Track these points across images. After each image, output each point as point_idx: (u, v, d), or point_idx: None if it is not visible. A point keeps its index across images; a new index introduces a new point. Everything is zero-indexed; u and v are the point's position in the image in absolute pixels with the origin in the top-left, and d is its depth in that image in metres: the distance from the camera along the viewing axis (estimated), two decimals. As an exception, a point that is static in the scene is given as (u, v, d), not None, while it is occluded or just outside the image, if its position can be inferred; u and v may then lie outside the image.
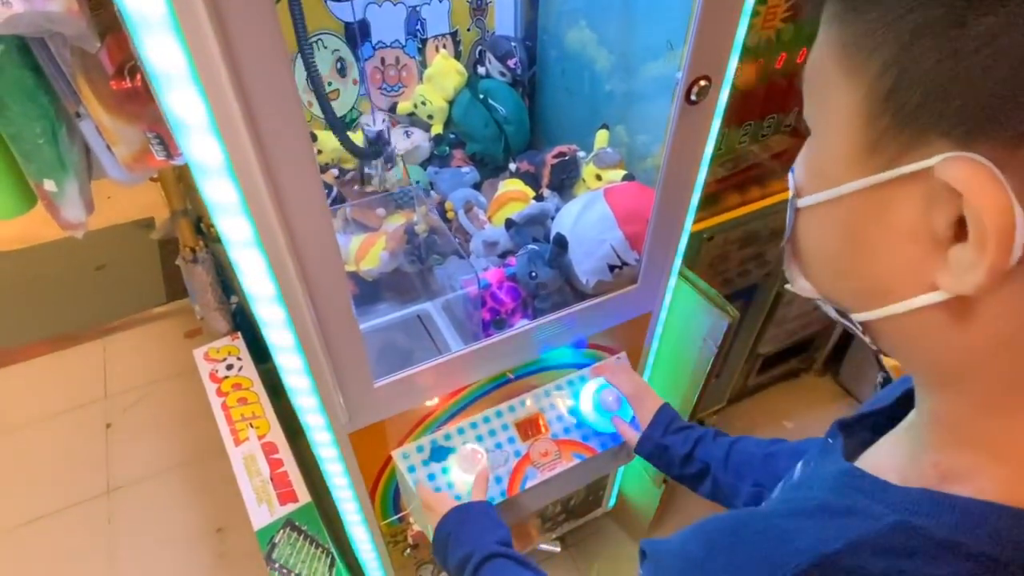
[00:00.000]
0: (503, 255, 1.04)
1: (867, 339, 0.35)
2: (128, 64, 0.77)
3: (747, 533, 0.37)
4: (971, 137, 0.25)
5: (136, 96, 0.79)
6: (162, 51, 0.47)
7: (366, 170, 1.09)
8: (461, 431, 0.99)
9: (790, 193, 0.36)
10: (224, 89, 0.49)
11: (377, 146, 1.07)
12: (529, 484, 0.97)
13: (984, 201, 0.25)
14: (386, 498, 1.04)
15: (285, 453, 1.28)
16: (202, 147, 0.52)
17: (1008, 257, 0.25)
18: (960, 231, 0.27)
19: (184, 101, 0.50)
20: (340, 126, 0.82)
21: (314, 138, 1.11)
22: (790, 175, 0.37)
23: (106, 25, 0.74)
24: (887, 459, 0.38)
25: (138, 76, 0.78)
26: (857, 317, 0.34)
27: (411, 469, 0.95)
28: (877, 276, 0.31)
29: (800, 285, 0.39)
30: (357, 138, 1.20)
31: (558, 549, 1.62)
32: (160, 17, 0.45)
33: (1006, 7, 0.23)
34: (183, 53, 0.47)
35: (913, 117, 0.27)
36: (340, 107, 1.20)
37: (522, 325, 0.94)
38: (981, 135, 0.25)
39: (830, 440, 0.44)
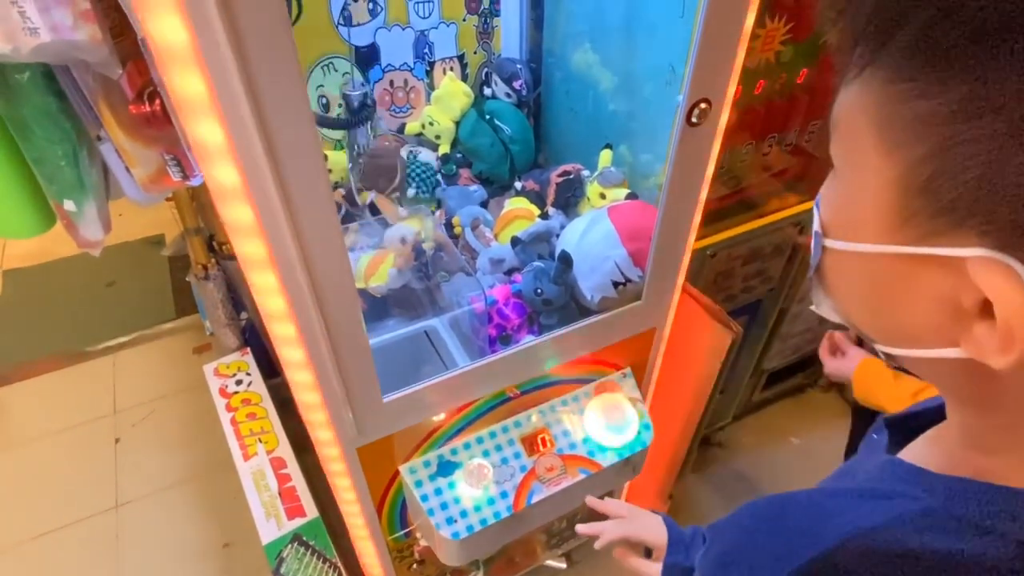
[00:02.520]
0: (509, 272, 1.05)
1: (883, 357, 0.36)
2: (147, 90, 0.80)
3: (793, 508, 0.40)
4: (1007, 242, 0.25)
5: (154, 120, 0.82)
6: (185, 79, 0.49)
7: (358, 142, 1.06)
8: (467, 446, 1.00)
9: (815, 225, 0.36)
10: (243, 114, 0.51)
11: (363, 112, 1.04)
12: (535, 499, 0.98)
13: (1014, 309, 0.25)
14: (393, 513, 1.05)
15: (293, 468, 1.30)
16: (221, 170, 0.55)
17: None
18: (986, 308, 0.27)
19: (204, 126, 0.52)
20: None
21: (324, 158, 1.14)
22: (815, 208, 0.37)
23: (127, 52, 0.77)
24: (927, 453, 0.39)
25: (157, 101, 0.80)
26: (881, 348, 0.35)
27: (418, 484, 0.96)
28: (902, 325, 0.32)
29: (825, 309, 0.39)
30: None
31: (564, 566, 1.62)
32: (183, 47, 0.48)
33: None
34: (204, 81, 0.49)
35: (950, 210, 0.26)
36: (350, 128, 1.23)
37: (528, 341, 0.95)
38: (1018, 244, 0.25)
39: (875, 436, 0.46)
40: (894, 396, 0.98)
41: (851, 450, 1.25)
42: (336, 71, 1.14)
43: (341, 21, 1.10)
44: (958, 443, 0.36)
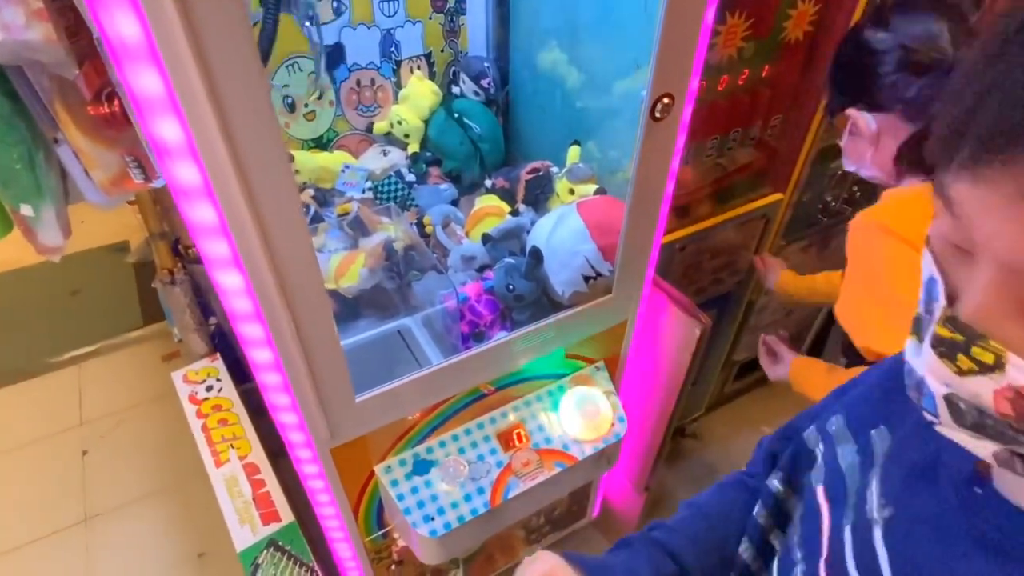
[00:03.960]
0: (480, 269, 1.06)
1: None
2: (105, 90, 0.78)
3: None
4: None
5: (114, 121, 0.80)
6: (141, 77, 0.49)
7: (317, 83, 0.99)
8: (443, 444, 1.00)
9: None
10: (203, 112, 0.51)
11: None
12: (512, 494, 0.98)
13: None
14: (369, 514, 1.04)
15: (267, 473, 1.28)
16: (182, 170, 0.54)
17: None
18: None
19: (163, 125, 0.52)
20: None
21: (291, 158, 1.13)
22: None
23: (83, 52, 0.75)
24: None
25: (115, 101, 0.79)
26: None
27: (394, 483, 0.96)
28: None
29: None
30: (336, 158, 1.22)
31: (544, 561, 1.63)
32: (138, 43, 0.47)
33: None
34: (161, 79, 0.49)
35: None
36: (317, 128, 1.22)
37: (501, 337, 0.96)
38: None
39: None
40: (820, 387, 1.02)
41: None
42: (302, 70, 1.13)
43: (305, 19, 1.09)
44: None
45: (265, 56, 0.78)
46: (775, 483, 0.60)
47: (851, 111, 0.95)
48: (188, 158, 0.54)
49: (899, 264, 0.87)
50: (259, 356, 0.71)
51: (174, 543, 1.75)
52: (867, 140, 0.95)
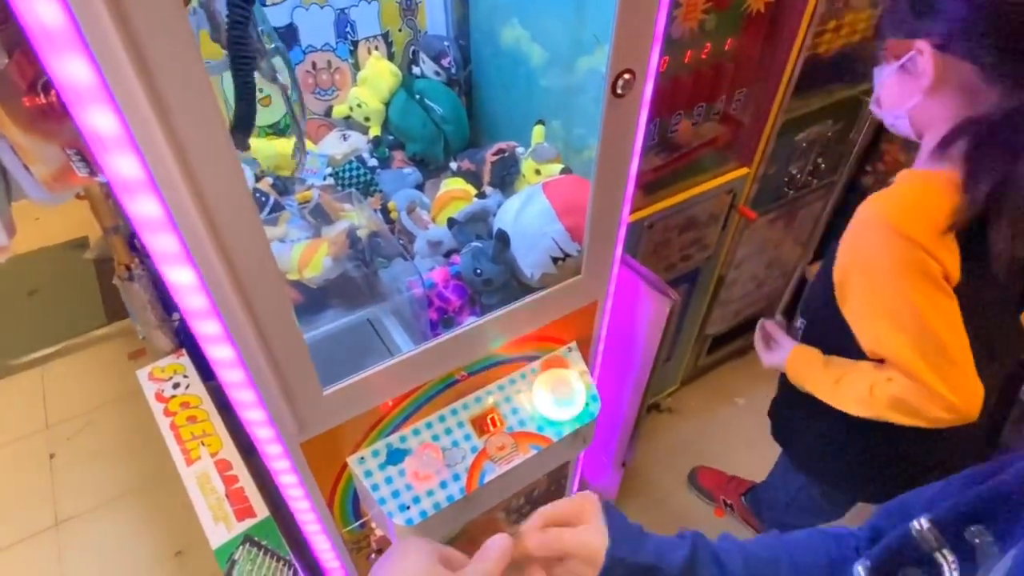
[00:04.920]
0: (448, 254, 1.04)
1: None
2: (41, 80, 0.74)
3: None
4: None
5: (51, 112, 0.76)
6: (67, 65, 0.46)
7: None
8: (416, 432, 0.99)
9: None
10: (137, 100, 0.48)
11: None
12: (488, 479, 0.98)
13: None
14: (345, 505, 1.03)
15: (240, 469, 1.26)
16: (119, 161, 0.51)
17: None
18: None
19: (95, 115, 0.49)
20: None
21: (247, 147, 1.09)
22: None
23: (13, 40, 0.71)
24: None
25: (52, 92, 0.75)
26: None
27: (368, 474, 0.95)
28: None
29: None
30: (292, 144, 1.18)
31: (525, 541, 1.64)
32: (61, 28, 0.44)
33: None
34: (89, 66, 0.46)
35: None
36: (273, 113, 1.18)
37: (471, 322, 0.94)
38: None
39: None
40: (820, 380, 1.01)
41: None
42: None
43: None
44: None
45: (248, 128, 0.74)
46: (859, 571, 0.50)
47: (921, 42, 0.78)
48: (125, 149, 0.51)
49: (911, 271, 0.83)
50: (218, 353, 0.69)
51: (150, 543, 1.72)
52: (922, 85, 0.80)
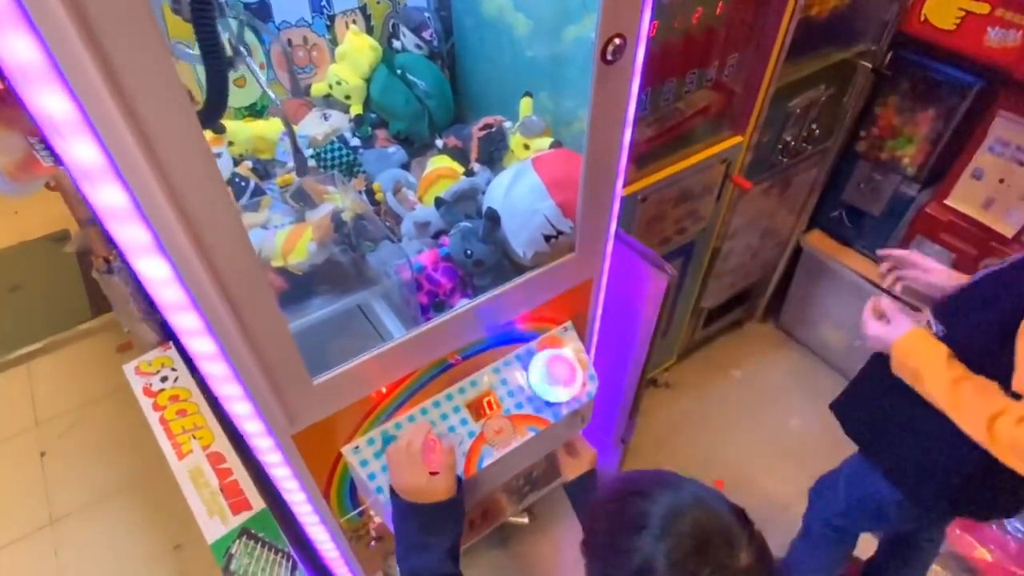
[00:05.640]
0: (437, 235, 1.01)
1: None
2: (-5, 63, 0.70)
3: None
4: None
5: (10, 99, 0.72)
6: (10, 43, 0.42)
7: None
8: (412, 419, 0.97)
9: None
10: (93, 82, 0.44)
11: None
12: (486, 463, 0.96)
13: None
14: (342, 494, 1.01)
15: (233, 461, 1.23)
16: (77, 148, 0.48)
17: None
18: None
19: (49, 100, 0.45)
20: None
21: (223, 129, 1.05)
22: None
23: (-38, 21, 0.67)
24: None
25: (8, 76, 0.70)
26: None
27: (364, 463, 0.93)
28: None
29: None
30: (272, 126, 1.14)
31: (527, 520, 1.64)
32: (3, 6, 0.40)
33: None
34: (35, 43, 0.42)
35: None
36: (249, 95, 1.13)
37: (463, 305, 0.92)
38: None
39: None
40: (937, 371, 0.93)
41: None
42: (224, 32, 1.03)
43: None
44: None
45: (217, 114, 0.69)
46: None
47: None
48: (83, 134, 0.47)
49: None
50: (199, 347, 0.66)
51: (148, 537, 1.70)
52: None
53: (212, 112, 0.68)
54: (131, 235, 0.54)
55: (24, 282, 2.43)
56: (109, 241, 1.25)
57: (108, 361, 2.12)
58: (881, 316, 1.05)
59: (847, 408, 1.21)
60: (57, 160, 0.79)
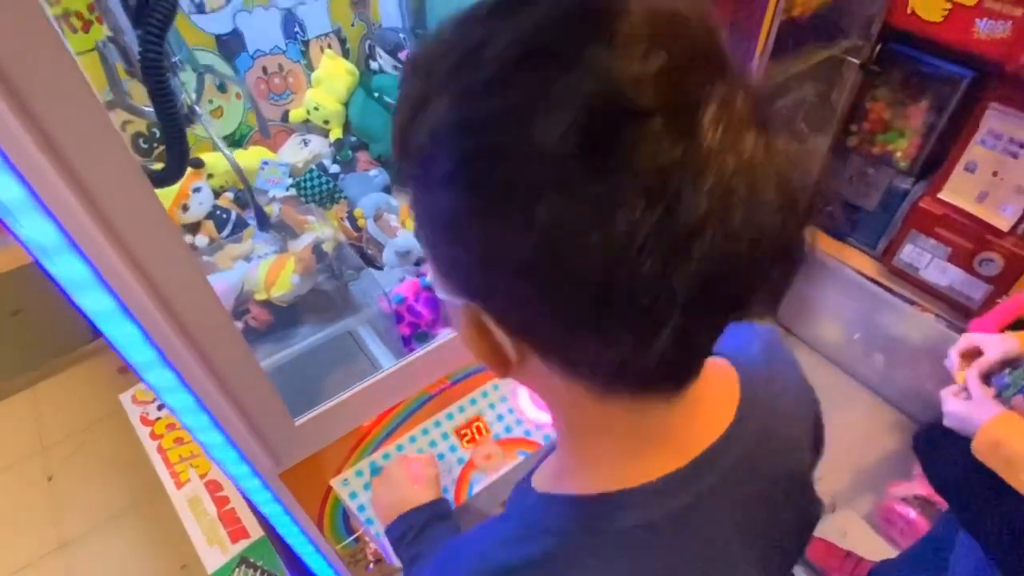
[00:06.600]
0: (419, 262, 1.00)
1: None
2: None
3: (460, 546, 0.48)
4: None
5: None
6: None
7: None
8: (400, 448, 0.97)
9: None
10: (39, 163, 0.44)
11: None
12: (476, 489, 0.96)
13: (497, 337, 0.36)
14: (335, 523, 1.02)
15: (230, 489, 1.25)
16: (30, 225, 0.47)
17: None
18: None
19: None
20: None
21: (200, 163, 1.05)
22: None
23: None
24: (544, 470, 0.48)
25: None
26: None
27: (353, 495, 0.93)
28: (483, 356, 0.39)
29: None
30: (252, 155, 1.13)
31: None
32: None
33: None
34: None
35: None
36: (227, 124, 1.13)
37: (445, 335, 0.91)
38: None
39: None
40: None
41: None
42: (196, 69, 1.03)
43: (193, 10, 0.99)
44: (558, 451, 0.46)
45: (180, 174, 0.69)
46: None
47: None
48: (35, 214, 0.47)
49: None
50: (175, 401, 0.66)
51: (155, 559, 1.72)
52: None
53: (174, 172, 0.68)
54: (96, 304, 0.54)
55: (24, 306, 2.44)
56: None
57: (111, 383, 2.12)
58: (960, 392, 0.97)
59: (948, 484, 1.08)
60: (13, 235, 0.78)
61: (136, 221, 0.51)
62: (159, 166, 0.69)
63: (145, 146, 1.06)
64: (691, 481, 0.41)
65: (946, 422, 0.97)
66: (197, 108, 0.68)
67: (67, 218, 0.47)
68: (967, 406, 0.94)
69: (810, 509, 0.52)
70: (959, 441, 0.98)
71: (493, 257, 0.31)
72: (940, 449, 1.10)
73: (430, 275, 0.38)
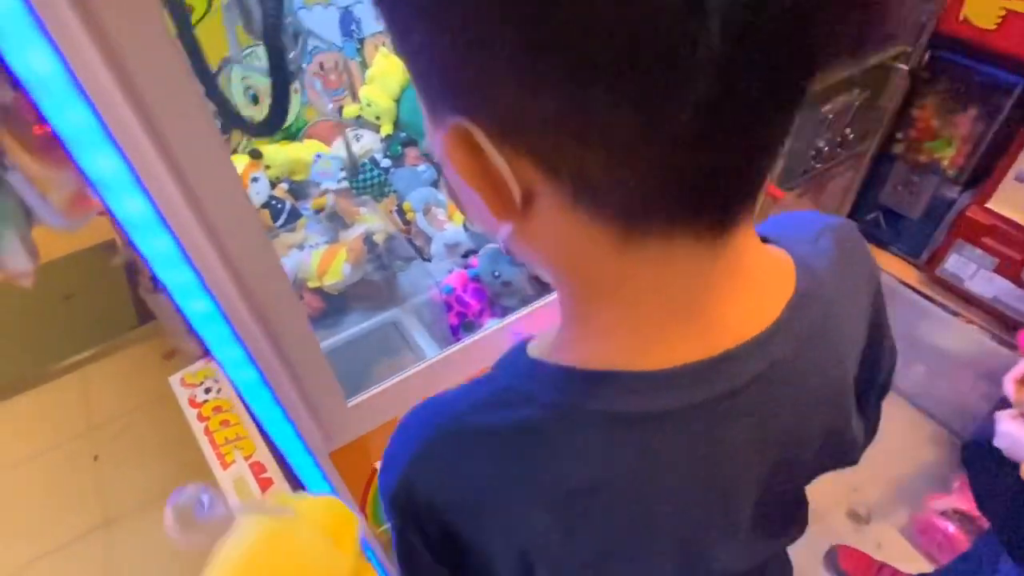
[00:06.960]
0: (467, 255, 1.03)
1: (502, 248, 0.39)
2: (50, 108, 0.74)
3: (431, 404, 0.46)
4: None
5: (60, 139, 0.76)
6: (59, 110, 0.45)
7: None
8: (443, 435, 0.99)
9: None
10: (140, 142, 0.47)
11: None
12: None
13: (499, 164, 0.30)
14: (377, 507, 1.04)
15: (274, 471, 1.28)
16: (127, 204, 0.51)
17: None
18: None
19: (95, 158, 0.48)
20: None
21: (260, 155, 1.09)
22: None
23: (19, 70, 0.71)
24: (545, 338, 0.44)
25: (62, 119, 0.74)
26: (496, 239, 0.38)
27: (397, 479, 0.95)
28: (478, 210, 0.35)
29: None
30: (307, 148, 1.17)
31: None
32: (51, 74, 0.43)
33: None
34: (86, 111, 0.45)
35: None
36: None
37: (492, 325, 0.93)
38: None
39: None
40: None
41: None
42: (260, 59, 1.07)
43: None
44: (560, 322, 0.41)
45: (279, 123, 0.74)
46: None
47: None
48: (130, 190, 0.50)
49: None
50: (241, 377, 0.69)
51: (195, 539, 1.78)
52: None
53: (275, 122, 0.72)
54: (178, 278, 0.57)
55: (76, 291, 2.54)
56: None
57: (156, 367, 2.20)
58: (1018, 416, 0.94)
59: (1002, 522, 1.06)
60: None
61: (220, 200, 0.54)
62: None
63: (254, 100, 1.11)
64: (719, 378, 0.35)
65: (996, 441, 0.95)
66: (304, 65, 0.72)
67: (159, 194, 0.51)
68: (1021, 429, 0.91)
69: (844, 436, 0.45)
70: (1008, 461, 0.95)
71: (485, 15, 0.25)
72: (989, 467, 1.08)
73: (425, 126, 0.35)
